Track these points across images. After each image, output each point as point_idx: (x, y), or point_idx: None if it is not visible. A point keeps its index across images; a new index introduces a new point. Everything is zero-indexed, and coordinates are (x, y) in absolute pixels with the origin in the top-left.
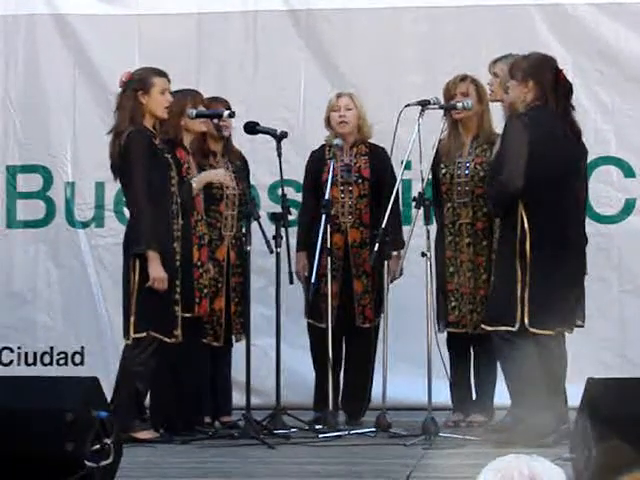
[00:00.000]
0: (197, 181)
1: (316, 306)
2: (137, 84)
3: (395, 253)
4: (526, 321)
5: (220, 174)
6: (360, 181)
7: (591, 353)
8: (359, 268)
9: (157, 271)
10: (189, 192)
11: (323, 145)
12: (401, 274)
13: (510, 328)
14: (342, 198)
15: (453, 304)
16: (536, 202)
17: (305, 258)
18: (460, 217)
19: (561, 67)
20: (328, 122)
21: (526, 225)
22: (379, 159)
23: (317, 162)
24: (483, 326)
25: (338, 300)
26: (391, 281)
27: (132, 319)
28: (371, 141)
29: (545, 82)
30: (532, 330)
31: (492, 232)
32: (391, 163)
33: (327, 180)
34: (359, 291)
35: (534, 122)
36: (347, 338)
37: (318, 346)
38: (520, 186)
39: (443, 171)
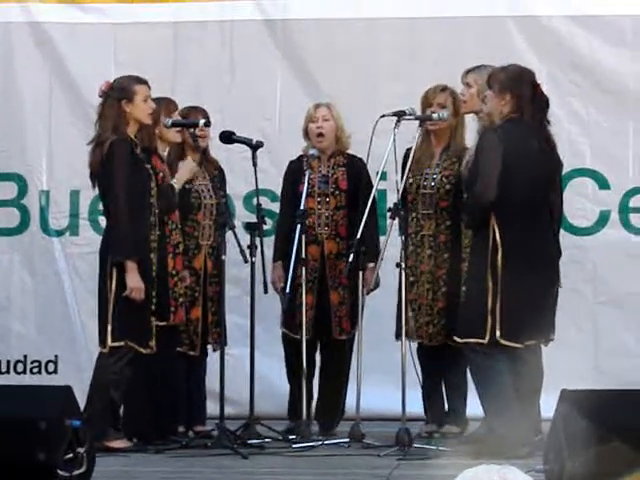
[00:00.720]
0: (177, 181)
1: (291, 317)
2: (120, 93)
3: (371, 265)
4: (497, 333)
5: (188, 165)
6: (337, 192)
7: (565, 364)
8: (335, 280)
9: (135, 281)
10: (172, 194)
11: (301, 155)
12: (377, 285)
13: (480, 340)
14: (319, 209)
15: (410, 314)
16: (508, 214)
17: (281, 268)
18: (423, 228)
19: (538, 80)
20: (306, 133)
21: (498, 237)
22: (356, 170)
23: (294, 172)
24: (455, 338)
25: (314, 311)
26: (367, 293)
27: (109, 328)
28: (349, 152)
29: (522, 95)
30: (503, 342)
31: (454, 245)
32: (368, 174)
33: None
34: (335, 302)
35: (508, 135)
36: (322, 349)
37: (292, 357)
38: (492, 199)
39: (410, 181)
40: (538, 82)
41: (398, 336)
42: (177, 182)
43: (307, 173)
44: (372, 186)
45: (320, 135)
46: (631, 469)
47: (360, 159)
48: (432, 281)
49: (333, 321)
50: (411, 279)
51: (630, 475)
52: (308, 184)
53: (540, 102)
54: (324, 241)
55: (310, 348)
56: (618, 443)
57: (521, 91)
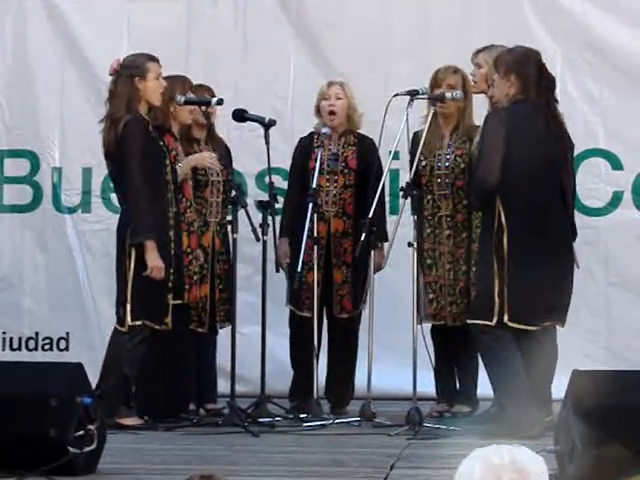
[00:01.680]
0: (182, 166)
1: (298, 294)
2: (133, 70)
3: (380, 244)
4: (505, 316)
5: (204, 158)
6: (346, 171)
7: (577, 345)
8: (339, 258)
9: (155, 260)
10: (175, 179)
11: (312, 133)
12: (384, 266)
13: (488, 322)
14: (327, 187)
15: (431, 296)
16: (513, 197)
17: (287, 244)
18: (440, 209)
19: (547, 59)
20: (318, 110)
21: (503, 220)
22: (367, 150)
23: (304, 149)
24: (467, 319)
25: (320, 289)
26: (375, 271)
27: (128, 306)
28: (360, 131)
29: (528, 76)
30: (510, 325)
31: (471, 224)
32: (379, 155)
33: (314, 168)
34: (339, 281)
35: (512, 116)
36: (329, 327)
37: (298, 334)
38: (495, 182)
39: (423, 163)
40: (544, 62)
41: (419, 321)
42: (183, 167)
43: (319, 151)
44: (381, 166)
45: (332, 113)
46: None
47: (371, 139)
48: (452, 261)
49: (335, 299)
50: (429, 261)
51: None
52: (318, 162)
53: (546, 82)
54: (331, 219)
55: (317, 326)
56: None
57: (526, 72)
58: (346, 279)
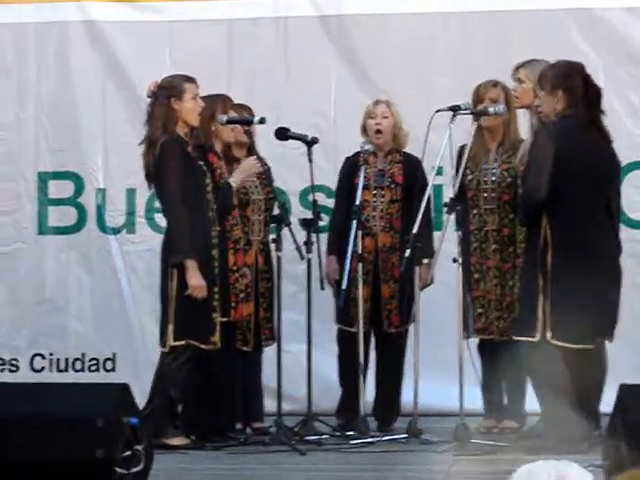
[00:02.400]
0: (234, 180)
1: (346, 311)
2: (169, 91)
3: (426, 261)
4: (548, 334)
5: (250, 164)
6: (393, 186)
7: (625, 359)
8: (387, 273)
9: (196, 280)
10: (229, 193)
11: (358, 152)
12: (432, 282)
13: (531, 339)
14: (374, 202)
15: (479, 311)
16: (561, 212)
17: (335, 262)
18: (487, 223)
19: (591, 73)
20: (364, 129)
21: (549, 236)
22: (413, 167)
23: (351, 167)
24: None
25: (369, 305)
26: (421, 289)
27: (170, 327)
28: (406, 150)
29: (574, 90)
30: (555, 343)
31: (517, 239)
32: (424, 172)
33: (358, 184)
34: (386, 296)
35: (561, 131)
36: (376, 344)
37: (347, 351)
38: (543, 197)
39: (469, 177)
40: (588, 74)
41: (467, 335)
42: (236, 180)
43: (363, 167)
44: (426, 182)
45: (378, 132)
46: None
47: (416, 157)
48: (499, 276)
49: (383, 314)
50: (476, 276)
51: None
52: (364, 178)
53: (593, 94)
54: (378, 234)
55: (365, 343)
56: None
57: (573, 86)
58: (394, 294)
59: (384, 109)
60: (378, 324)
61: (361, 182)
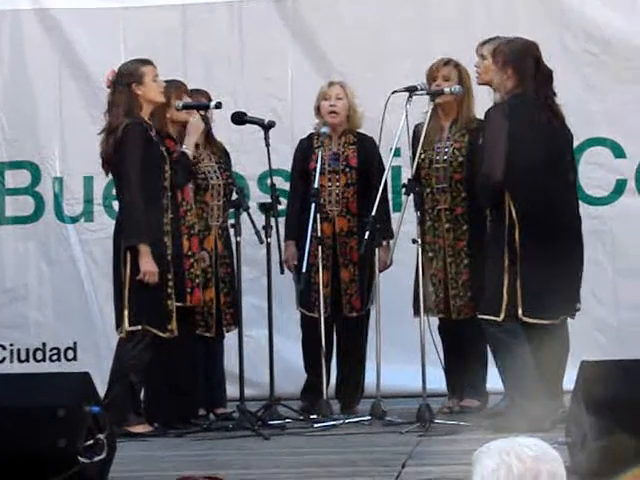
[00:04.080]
0: (187, 146)
1: (307, 295)
2: (128, 78)
3: (385, 243)
4: (519, 311)
5: (195, 124)
6: (347, 170)
7: (586, 336)
8: (346, 257)
9: (148, 265)
10: (188, 161)
11: (312, 134)
12: (391, 264)
13: (495, 318)
14: (329, 187)
15: (431, 289)
16: (523, 191)
17: (294, 247)
18: (439, 202)
19: (548, 50)
20: (318, 111)
21: (514, 215)
22: (367, 148)
23: (305, 150)
24: (477, 313)
25: (329, 289)
26: (381, 270)
27: (125, 312)
28: (360, 131)
29: (524, 69)
30: (526, 319)
31: (472, 216)
32: (379, 153)
33: (315, 169)
34: (346, 280)
35: (514, 111)
36: (337, 327)
37: (310, 336)
38: (500, 178)
39: (422, 156)
40: (540, 55)
41: (416, 313)
42: (187, 146)
43: (319, 151)
44: (382, 163)
45: (333, 113)
46: None
47: (371, 138)
48: (453, 254)
49: (344, 298)
50: (430, 254)
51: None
52: (319, 162)
53: (543, 76)
54: (335, 218)
55: (327, 327)
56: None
57: (523, 66)
58: (354, 278)
59: (338, 90)
60: (339, 308)
61: (319, 166)
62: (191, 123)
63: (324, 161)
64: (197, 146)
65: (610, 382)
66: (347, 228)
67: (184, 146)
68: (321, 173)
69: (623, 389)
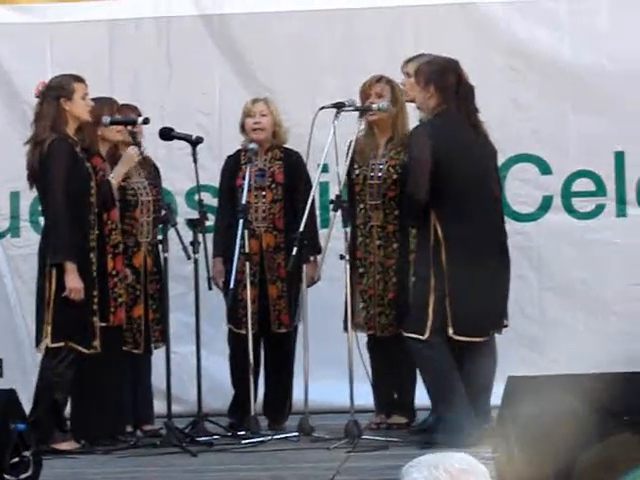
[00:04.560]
0: (115, 176)
1: (235, 312)
2: (58, 91)
3: (312, 258)
4: (450, 330)
5: (129, 156)
6: (273, 186)
7: (512, 351)
8: (274, 273)
9: (74, 282)
10: (110, 190)
11: (239, 150)
12: (319, 279)
13: (420, 337)
14: (256, 203)
15: (361, 305)
16: (448, 210)
17: (221, 264)
18: (371, 219)
19: (474, 67)
20: (243, 128)
21: (440, 233)
22: (293, 164)
23: (232, 167)
24: (402, 331)
25: (257, 305)
26: (308, 286)
27: (49, 329)
28: (287, 146)
29: (446, 87)
30: (457, 338)
31: (403, 235)
32: (306, 168)
33: (241, 185)
34: (274, 296)
35: (437, 130)
36: (265, 344)
37: (238, 352)
38: (424, 197)
39: (356, 172)
40: (462, 72)
41: (346, 328)
42: (114, 176)
43: (248, 167)
44: (310, 179)
45: (257, 129)
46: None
47: (297, 153)
48: (382, 272)
49: (272, 315)
50: (361, 270)
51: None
52: (247, 178)
53: (465, 92)
54: (262, 235)
55: (255, 343)
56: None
57: (445, 83)
58: (282, 294)
59: (262, 107)
60: (267, 325)
61: (246, 182)
62: (126, 154)
63: (250, 177)
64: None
65: (537, 397)
66: (274, 244)
67: (111, 174)
68: (248, 190)
69: (550, 404)
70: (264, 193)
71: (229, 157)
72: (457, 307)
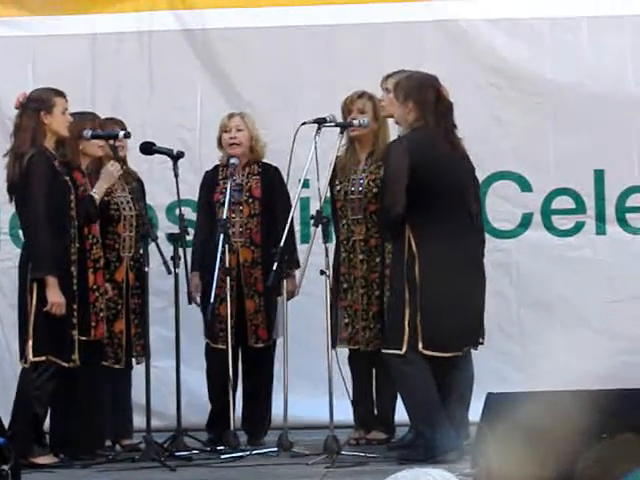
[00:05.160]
0: (97, 192)
1: (212, 326)
2: (39, 104)
3: (291, 273)
4: (419, 344)
5: (111, 173)
6: (250, 200)
7: (491, 368)
8: (251, 288)
9: (56, 296)
10: (92, 205)
11: (217, 165)
12: (297, 294)
13: (398, 352)
14: (233, 218)
15: (346, 321)
16: (423, 224)
17: (198, 278)
18: (354, 234)
19: (454, 84)
20: (220, 143)
21: (414, 248)
22: (270, 178)
23: (209, 182)
24: (380, 347)
25: (234, 320)
26: (288, 299)
27: (30, 342)
28: (265, 160)
29: (425, 102)
30: (426, 353)
31: (385, 249)
32: (284, 181)
33: (219, 200)
34: (252, 311)
35: (414, 145)
36: (243, 358)
37: (214, 366)
38: (400, 211)
39: (338, 187)
40: (441, 87)
41: (331, 344)
42: (97, 192)
43: (229, 182)
44: (287, 193)
45: (233, 144)
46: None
47: (275, 167)
48: (366, 286)
49: (249, 329)
50: (345, 285)
51: None
52: (229, 193)
53: (443, 108)
54: (239, 249)
55: (233, 358)
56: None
57: (423, 98)
58: (259, 308)
59: (238, 122)
60: (244, 339)
61: (228, 196)
62: (106, 169)
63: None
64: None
65: (516, 414)
66: (251, 259)
67: (94, 190)
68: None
69: (527, 420)
70: (241, 208)
71: (207, 172)
72: (427, 322)
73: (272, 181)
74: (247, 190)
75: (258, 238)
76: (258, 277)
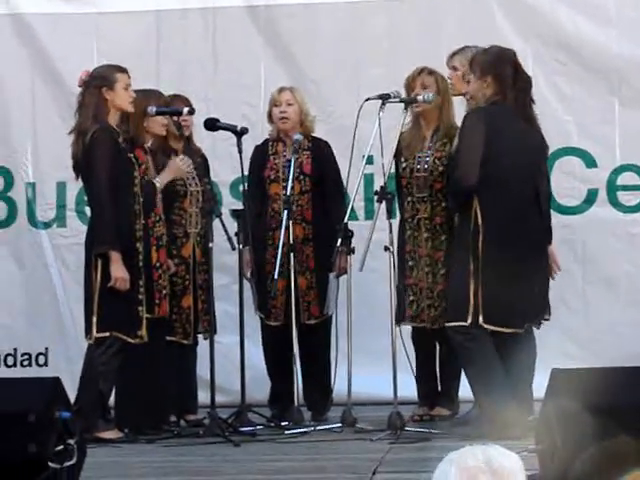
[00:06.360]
0: (160, 181)
1: (265, 303)
2: (100, 81)
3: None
4: (480, 318)
5: (178, 167)
6: (301, 177)
7: (556, 344)
8: (302, 264)
9: (119, 271)
10: (153, 192)
11: (266, 140)
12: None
13: (462, 323)
14: (284, 195)
15: (411, 298)
16: (491, 198)
17: (249, 253)
18: (419, 212)
19: (521, 60)
20: (270, 117)
21: (480, 221)
22: (321, 152)
23: (260, 157)
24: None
25: (284, 297)
26: (337, 276)
27: (94, 319)
28: (314, 135)
29: (504, 77)
30: (486, 327)
31: (450, 227)
32: (334, 156)
33: (269, 177)
34: (303, 287)
35: (491, 117)
36: (299, 335)
37: (270, 342)
38: (473, 182)
39: (403, 165)
40: (519, 62)
41: (395, 321)
42: (160, 181)
43: (292, 157)
44: (337, 167)
45: (283, 119)
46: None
47: (325, 142)
48: (430, 264)
49: (302, 306)
50: (410, 263)
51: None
52: (292, 169)
53: (522, 82)
54: (290, 226)
55: (286, 334)
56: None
57: (502, 73)
58: (311, 284)
59: (288, 96)
60: (297, 316)
61: (292, 171)
62: (174, 161)
63: (277, 168)
64: (176, 152)
65: (580, 390)
66: (303, 235)
67: (157, 179)
68: (275, 181)
69: (592, 397)
70: (292, 185)
71: (257, 147)
72: (489, 296)
73: (323, 155)
74: (298, 166)
75: (309, 214)
76: (309, 254)
